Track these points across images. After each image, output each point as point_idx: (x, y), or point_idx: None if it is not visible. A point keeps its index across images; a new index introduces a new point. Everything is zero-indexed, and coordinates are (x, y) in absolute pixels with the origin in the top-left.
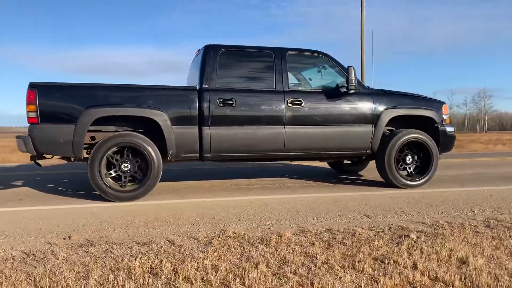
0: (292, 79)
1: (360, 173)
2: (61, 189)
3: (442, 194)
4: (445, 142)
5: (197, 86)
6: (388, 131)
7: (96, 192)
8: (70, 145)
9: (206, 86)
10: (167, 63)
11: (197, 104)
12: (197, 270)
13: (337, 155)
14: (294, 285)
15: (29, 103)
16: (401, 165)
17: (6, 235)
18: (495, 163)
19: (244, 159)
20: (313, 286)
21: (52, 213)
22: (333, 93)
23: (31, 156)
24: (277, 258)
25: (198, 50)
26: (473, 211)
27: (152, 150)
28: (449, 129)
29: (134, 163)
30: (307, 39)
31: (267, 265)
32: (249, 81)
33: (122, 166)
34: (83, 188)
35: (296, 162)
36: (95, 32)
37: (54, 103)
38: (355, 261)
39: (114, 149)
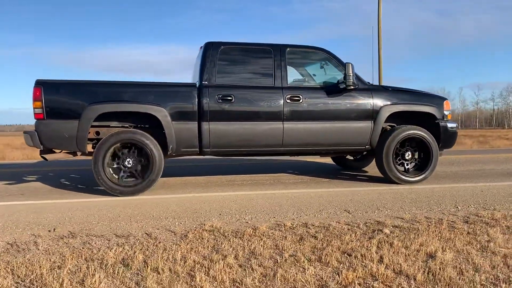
0: (295, 75)
1: (365, 169)
2: (67, 183)
3: (432, 190)
4: (446, 138)
5: (197, 82)
6: (389, 127)
7: (98, 188)
8: (74, 140)
9: (206, 82)
10: (193, 61)
11: (197, 100)
12: (167, 261)
13: (336, 151)
14: (257, 276)
15: (35, 99)
16: (400, 161)
17: None
18: (504, 159)
19: (243, 154)
20: (275, 277)
21: (45, 207)
22: (332, 89)
23: (40, 151)
24: (246, 251)
25: (201, 47)
26: (457, 207)
27: (153, 147)
28: (450, 125)
29: (137, 159)
30: (331, 34)
31: (235, 257)
32: (248, 78)
33: (126, 162)
34: (88, 183)
35: (300, 158)
36: (121, 31)
37: (59, 99)
38: (322, 255)
39: (117, 145)
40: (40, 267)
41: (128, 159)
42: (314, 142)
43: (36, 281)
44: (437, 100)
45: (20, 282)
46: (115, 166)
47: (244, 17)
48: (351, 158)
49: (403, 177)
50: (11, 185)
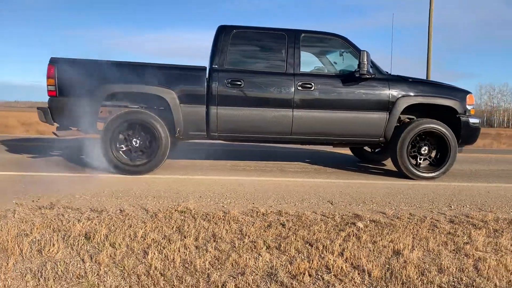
0: (308, 62)
1: (384, 162)
2: (81, 159)
3: (434, 187)
4: (467, 134)
5: (207, 66)
6: (407, 120)
7: (104, 165)
8: (85, 118)
9: (216, 66)
10: None
11: (206, 83)
12: (127, 238)
13: (348, 141)
14: (209, 258)
15: (48, 77)
16: (415, 156)
17: None
18: None
19: (250, 140)
20: (227, 260)
21: (44, 179)
22: (346, 78)
23: (56, 127)
24: (209, 233)
25: None
26: (450, 206)
27: (160, 128)
28: (473, 120)
29: (144, 139)
30: (389, 22)
31: (195, 239)
32: (259, 63)
33: (133, 142)
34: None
35: (317, 147)
36: (170, 16)
37: (71, 78)
38: (283, 243)
39: (125, 125)
40: (8, 233)
41: (135, 139)
42: (325, 131)
43: None
44: (460, 93)
45: None
46: (122, 145)
47: (304, 2)
48: (369, 150)
49: (418, 172)
50: (34, 158)
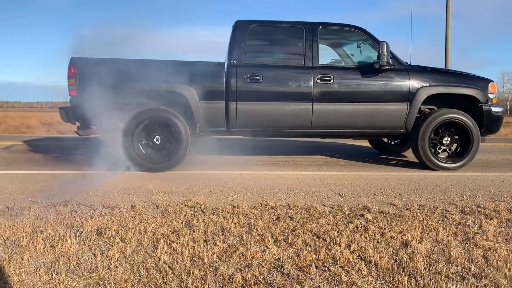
0: (327, 54)
1: (404, 153)
2: (99, 157)
3: (448, 178)
4: (490, 123)
5: (225, 61)
6: (428, 110)
7: (123, 162)
8: (105, 116)
9: (234, 61)
10: None
11: (224, 79)
12: (137, 233)
13: (369, 134)
14: (217, 252)
15: (69, 77)
16: (435, 145)
17: (5, 192)
18: None
19: (270, 134)
20: (235, 253)
21: (60, 177)
22: (366, 69)
23: (78, 127)
24: (217, 227)
25: None
26: (462, 196)
27: (180, 125)
28: (495, 109)
29: (165, 136)
30: (407, 12)
31: (204, 233)
32: (278, 57)
33: (154, 139)
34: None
35: (333, 140)
36: (200, 12)
37: (92, 77)
38: (291, 235)
39: (146, 122)
40: (23, 230)
41: (156, 136)
42: (345, 124)
43: (15, 242)
44: (481, 82)
45: (2, 243)
46: (143, 143)
47: None
48: (387, 142)
49: (439, 163)
50: (52, 157)
